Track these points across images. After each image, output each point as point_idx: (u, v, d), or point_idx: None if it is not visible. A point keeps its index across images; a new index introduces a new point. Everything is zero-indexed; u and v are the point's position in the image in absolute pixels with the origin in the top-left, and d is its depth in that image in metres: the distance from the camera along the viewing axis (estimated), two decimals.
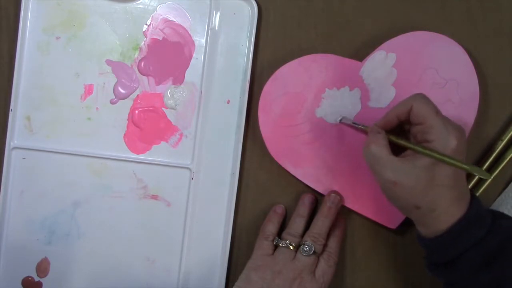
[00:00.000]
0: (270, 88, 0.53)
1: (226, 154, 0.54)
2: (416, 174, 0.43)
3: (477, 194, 0.54)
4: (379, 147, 0.44)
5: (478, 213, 0.44)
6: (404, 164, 0.43)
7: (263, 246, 0.52)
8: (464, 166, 0.42)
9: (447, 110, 0.50)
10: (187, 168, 0.54)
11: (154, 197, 0.55)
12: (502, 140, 0.54)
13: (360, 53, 0.53)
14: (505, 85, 0.54)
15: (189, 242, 0.54)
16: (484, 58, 0.54)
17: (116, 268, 0.55)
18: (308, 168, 0.53)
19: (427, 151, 0.43)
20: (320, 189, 0.53)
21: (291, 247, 0.50)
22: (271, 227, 0.53)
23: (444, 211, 0.43)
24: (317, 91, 0.53)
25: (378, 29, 0.54)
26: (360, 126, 0.51)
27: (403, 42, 0.51)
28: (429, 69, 0.51)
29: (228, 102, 0.54)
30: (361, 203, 0.53)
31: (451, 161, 0.42)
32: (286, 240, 0.51)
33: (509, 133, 0.54)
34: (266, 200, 0.55)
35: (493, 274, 0.42)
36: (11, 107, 0.54)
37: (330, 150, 0.53)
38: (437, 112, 0.44)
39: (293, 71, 0.52)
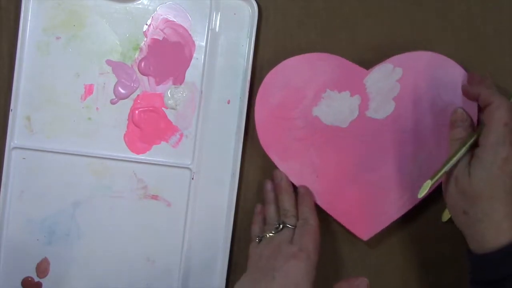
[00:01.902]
0: (272, 79, 0.53)
1: (226, 154, 0.54)
2: (475, 174, 0.42)
3: None
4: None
5: None
6: (473, 161, 0.44)
7: (253, 248, 0.51)
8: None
9: (442, 134, 0.51)
10: (187, 168, 0.54)
11: (154, 197, 0.55)
12: None
13: (360, 54, 0.53)
14: (505, 85, 0.54)
15: (189, 242, 0.54)
16: (484, 58, 0.54)
17: (116, 268, 0.55)
18: (294, 164, 0.53)
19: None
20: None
21: (270, 235, 0.50)
22: (256, 230, 0.53)
23: (493, 226, 0.42)
24: (318, 90, 0.53)
25: (378, 29, 0.54)
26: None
27: (412, 60, 0.52)
28: (431, 90, 0.51)
29: (228, 102, 0.54)
30: (338, 209, 0.53)
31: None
32: (265, 232, 0.51)
33: None
34: None
35: None
36: (11, 107, 0.54)
37: (319, 150, 0.53)
38: (507, 123, 0.43)
39: (298, 66, 0.52)
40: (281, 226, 0.50)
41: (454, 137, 0.47)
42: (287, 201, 0.52)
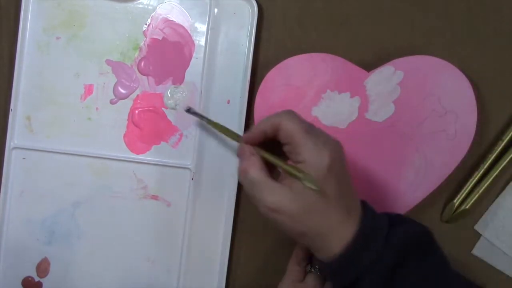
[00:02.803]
0: (273, 76, 0.53)
1: (226, 154, 0.54)
2: (296, 199, 0.40)
3: (477, 194, 0.54)
4: (257, 171, 0.42)
5: (371, 226, 0.41)
6: (283, 189, 0.41)
7: (294, 272, 0.50)
8: (298, 174, 0.40)
9: (440, 140, 0.51)
10: (187, 168, 0.54)
11: (154, 197, 0.55)
12: (502, 140, 0.54)
13: (361, 55, 0.53)
14: (505, 86, 0.54)
15: (189, 242, 0.54)
16: (484, 58, 0.54)
17: (116, 268, 0.55)
18: (290, 163, 0.53)
19: (286, 166, 0.41)
20: None
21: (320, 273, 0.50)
22: (303, 252, 0.51)
23: (332, 235, 0.41)
24: (318, 90, 0.53)
25: (378, 30, 0.54)
26: (209, 120, 0.50)
27: (413, 64, 0.52)
28: (432, 96, 0.52)
29: (228, 102, 0.54)
30: None
31: (289, 169, 0.41)
32: (316, 265, 0.50)
33: (509, 133, 0.54)
34: None
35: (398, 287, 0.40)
36: (11, 107, 0.54)
37: None
38: (307, 130, 0.41)
39: (300, 65, 0.52)
40: None
41: None
42: None
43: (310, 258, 0.52)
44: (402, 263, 0.40)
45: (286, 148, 0.43)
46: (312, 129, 0.42)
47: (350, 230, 0.41)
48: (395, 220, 0.43)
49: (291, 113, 0.43)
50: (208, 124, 0.51)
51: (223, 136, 0.51)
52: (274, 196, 0.41)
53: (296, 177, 0.40)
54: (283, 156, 0.44)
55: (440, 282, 0.41)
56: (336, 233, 0.41)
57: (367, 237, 0.41)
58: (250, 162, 0.43)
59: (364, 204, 0.43)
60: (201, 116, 0.51)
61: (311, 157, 0.40)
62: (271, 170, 0.44)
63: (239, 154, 0.45)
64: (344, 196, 0.42)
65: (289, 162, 0.43)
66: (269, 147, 0.44)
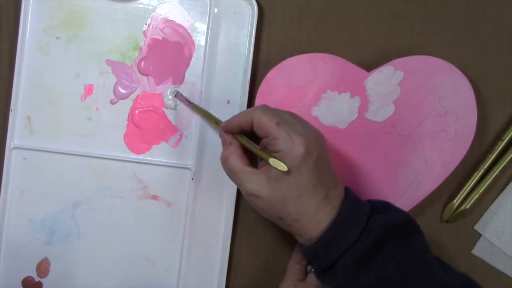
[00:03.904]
0: (274, 76, 0.53)
1: None
2: (271, 186, 0.42)
3: (477, 194, 0.54)
4: (235, 160, 0.44)
5: (351, 212, 0.43)
6: (259, 176, 0.43)
7: (294, 271, 0.51)
8: (265, 156, 0.42)
9: (440, 140, 0.51)
10: (187, 168, 0.54)
11: (154, 197, 0.55)
12: (502, 140, 0.54)
13: (361, 55, 0.54)
14: (505, 85, 0.54)
15: (189, 242, 0.54)
16: (484, 58, 0.54)
17: (116, 268, 0.55)
18: None
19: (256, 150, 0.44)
20: None
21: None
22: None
23: (310, 220, 0.42)
24: (319, 90, 0.53)
25: (379, 30, 0.54)
26: (193, 105, 0.53)
27: (414, 63, 0.52)
28: (432, 96, 0.52)
29: (228, 102, 0.54)
30: None
31: (259, 152, 0.43)
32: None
33: (509, 133, 0.54)
34: None
35: (374, 273, 0.41)
36: (11, 107, 0.54)
37: None
38: (279, 122, 0.42)
39: (300, 65, 0.52)
40: None
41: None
42: None
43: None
44: (380, 245, 0.41)
45: (264, 141, 0.44)
46: (284, 121, 0.43)
47: (328, 216, 0.42)
48: (378, 207, 0.44)
49: (264, 108, 0.44)
50: (192, 109, 0.53)
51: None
52: (251, 183, 0.43)
53: (264, 159, 0.42)
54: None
55: (418, 266, 0.42)
56: (313, 219, 0.42)
57: (345, 222, 0.42)
58: (229, 151, 0.45)
59: (347, 191, 0.45)
60: (187, 101, 0.53)
61: (285, 147, 0.42)
62: (254, 156, 0.46)
63: (222, 142, 0.48)
64: (323, 183, 0.43)
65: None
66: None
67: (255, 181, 0.43)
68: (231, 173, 0.45)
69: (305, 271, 0.51)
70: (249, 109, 0.46)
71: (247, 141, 0.46)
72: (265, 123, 0.43)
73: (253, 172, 0.44)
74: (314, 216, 0.42)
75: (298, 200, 0.42)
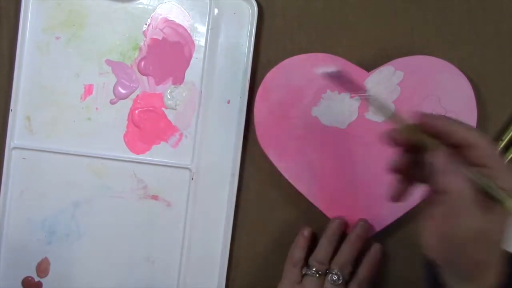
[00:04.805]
0: (273, 76, 0.53)
1: (226, 154, 0.54)
2: (499, 224, 0.35)
3: None
4: (466, 185, 0.34)
5: None
6: (489, 211, 0.34)
7: (291, 274, 0.51)
8: (500, 195, 0.34)
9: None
10: (187, 168, 0.54)
11: (154, 197, 0.55)
12: (502, 140, 0.54)
13: (361, 55, 0.53)
14: (505, 85, 0.54)
15: (189, 242, 0.54)
16: (484, 57, 0.54)
17: (116, 268, 0.55)
18: (291, 163, 0.53)
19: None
20: (298, 187, 0.53)
21: (318, 275, 0.50)
22: (298, 253, 0.51)
23: (495, 265, 0.36)
24: (318, 90, 0.53)
25: (379, 31, 0.54)
26: (363, 95, 0.45)
27: (413, 64, 0.52)
28: (432, 96, 0.52)
29: (228, 102, 0.54)
30: (334, 210, 0.53)
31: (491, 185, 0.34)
32: (313, 268, 0.50)
33: (509, 133, 0.54)
34: (266, 200, 0.55)
35: None
36: (11, 107, 0.54)
37: (316, 151, 0.53)
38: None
39: (300, 65, 0.52)
40: (339, 280, 0.49)
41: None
42: (351, 255, 0.51)
43: (307, 258, 0.52)
44: None
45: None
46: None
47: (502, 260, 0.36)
48: None
49: (487, 137, 0.36)
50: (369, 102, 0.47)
51: (223, 134, 0.51)
52: (481, 218, 0.34)
53: (497, 198, 0.34)
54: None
55: None
56: (496, 265, 0.36)
57: None
58: (453, 168, 0.34)
59: None
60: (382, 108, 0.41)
61: (508, 186, 0.34)
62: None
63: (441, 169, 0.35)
64: None
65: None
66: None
67: (486, 217, 0.34)
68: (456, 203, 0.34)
69: (300, 273, 0.51)
70: (466, 127, 0.35)
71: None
72: (493, 153, 0.35)
73: (482, 204, 0.34)
74: (497, 263, 0.36)
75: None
